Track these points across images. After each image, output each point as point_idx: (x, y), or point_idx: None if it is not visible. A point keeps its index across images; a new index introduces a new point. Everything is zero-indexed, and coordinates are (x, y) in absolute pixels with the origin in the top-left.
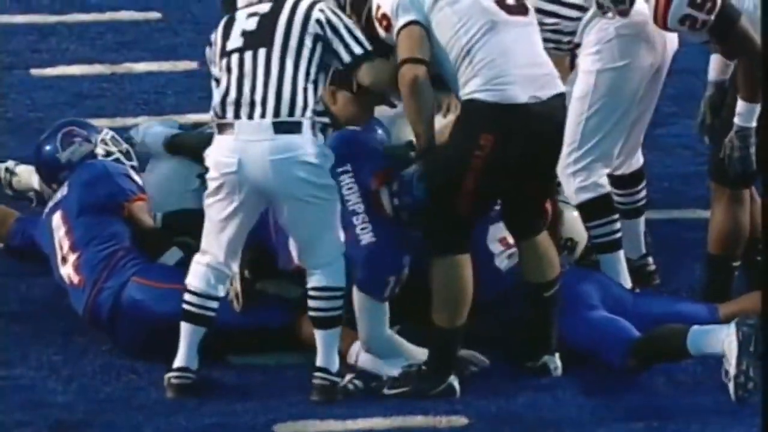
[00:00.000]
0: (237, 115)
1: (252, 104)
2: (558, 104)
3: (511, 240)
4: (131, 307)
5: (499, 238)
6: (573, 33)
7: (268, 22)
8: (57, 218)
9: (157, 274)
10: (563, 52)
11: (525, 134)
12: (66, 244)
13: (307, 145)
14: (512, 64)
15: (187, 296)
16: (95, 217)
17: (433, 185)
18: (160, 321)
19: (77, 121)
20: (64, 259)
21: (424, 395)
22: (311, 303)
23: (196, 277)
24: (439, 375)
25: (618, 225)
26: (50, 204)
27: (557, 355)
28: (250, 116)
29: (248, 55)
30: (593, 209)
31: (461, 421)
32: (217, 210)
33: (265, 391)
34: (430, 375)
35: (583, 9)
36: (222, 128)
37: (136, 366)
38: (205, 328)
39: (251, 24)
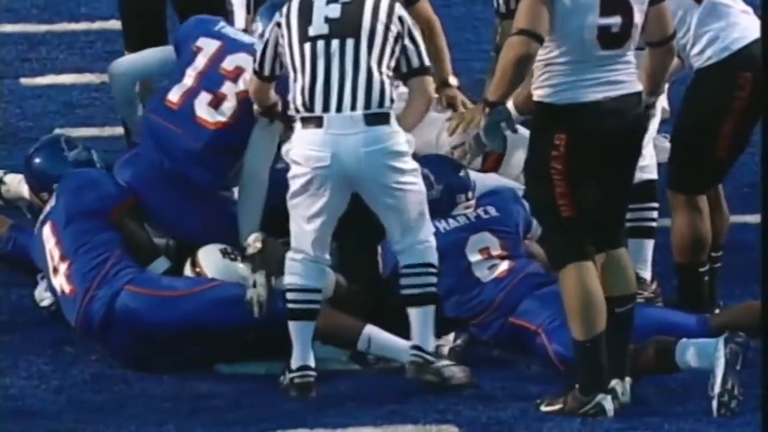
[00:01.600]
0: (326, 108)
1: (341, 96)
2: (632, 102)
3: (494, 251)
4: (124, 316)
5: (480, 248)
6: None
7: (352, 11)
8: (47, 230)
9: (150, 283)
10: None
11: (598, 131)
12: (56, 254)
13: (395, 134)
14: (590, 74)
15: (289, 295)
16: (84, 225)
17: (531, 198)
18: (153, 329)
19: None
20: (56, 270)
21: (576, 415)
22: (405, 281)
23: (294, 274)
24: (586, 393)
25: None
26: (41, 218)
27: (627, 380)
28: (339, 109)
29: (335, 44)
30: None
31: (451, 430)
32: (305, 206)
33: (256, 400)
34: (579, 393)
35: None
36: (308, 122)
37: (126, 375)
38: (313, 322)
39: (334, 11)
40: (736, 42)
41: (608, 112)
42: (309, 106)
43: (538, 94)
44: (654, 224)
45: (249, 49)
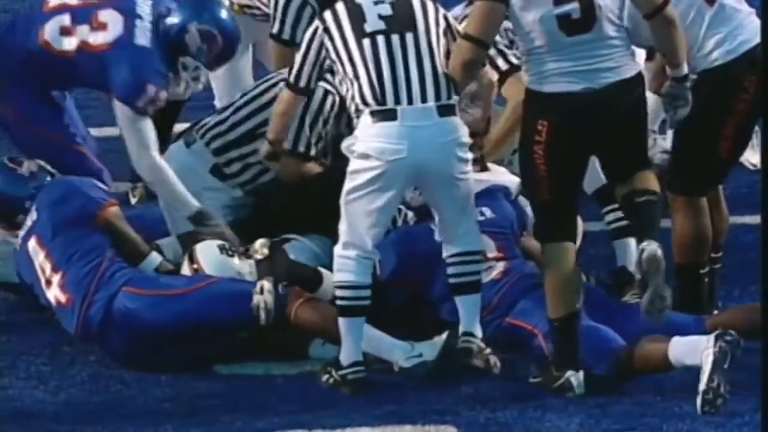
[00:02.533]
0: (398, 101)
1: (410, 88)
2: (621, 91)
3: (490, 254)
4: (123, 317)
5: None
6: None
7: (402, 9)
8: (33, 244)
9: (147, 282)
10: None
11: (579, 122)
12: (48, 267)
13: (462, 126)
14: (567, 63)
15: (339, 292)
16: (71, 234)
17: (521, 177)
18: (153, 328)
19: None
20: (49, 282)
21: (548, 389)
22: (452, 270)
23: (345, 271)
24: (558, 369)
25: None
26: (21, 234)
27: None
28: (411, 101)
29: (395, 38)
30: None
31: (450, 430)
32: (369, 201)
33: (253, 401)
34: (552, 369)
35: None
36: (379, 115)
37: (124, 376)
38: (364, 318)
39: (385, 9)
40: (742, 45)
41: (591, 104)
42: (381, 99)
43: (525, 81)
44: None
45: (130, 13)
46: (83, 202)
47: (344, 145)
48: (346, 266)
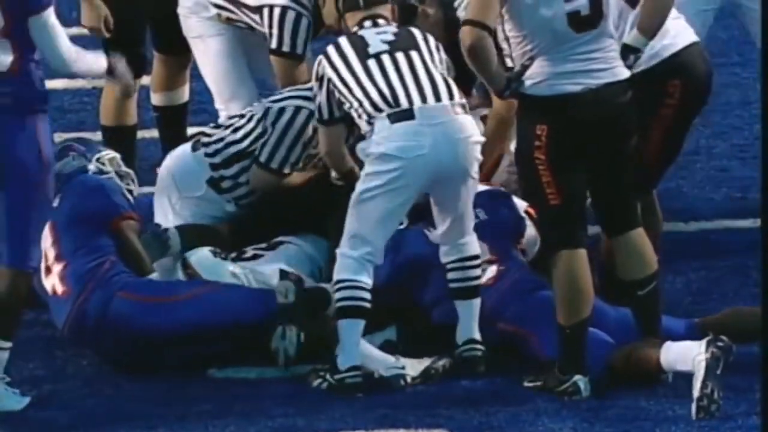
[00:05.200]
0: (412, 101)
1: (422, 89)
2: (614, 91)
3: (482, 257)
4: (118, 322)
5: None
6: None
7: (404, 34)
8: (45, 229)
9: (144, 288)
10: None
11: (578, 122)
12: (51, 254)
13: (475, 125)
14: (568, 65)
15: (339, 293)
16: (84, 229)
17: (522, 188)
18: (147, 334)
19: (83, 139)
20: (49, 269)
21: (552, 392)
22: (453, 275)
23: (346, 270)
24: (564, 373)
25: None
26: None
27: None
28: (425, 100)
29: (400, 55)
30: None
31: None
32: (386, 200)
33: (246, 405)
34: (558, 373)
35: None
36: (396, 116)
37: (117, 380)
38: (364, 321)
39: (387, 36)
40: (665, 49)
41: (588, 103)
42: (394, 103)
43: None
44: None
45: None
46: (104, 204)
47: (359, 148)
48: (347, 265)
